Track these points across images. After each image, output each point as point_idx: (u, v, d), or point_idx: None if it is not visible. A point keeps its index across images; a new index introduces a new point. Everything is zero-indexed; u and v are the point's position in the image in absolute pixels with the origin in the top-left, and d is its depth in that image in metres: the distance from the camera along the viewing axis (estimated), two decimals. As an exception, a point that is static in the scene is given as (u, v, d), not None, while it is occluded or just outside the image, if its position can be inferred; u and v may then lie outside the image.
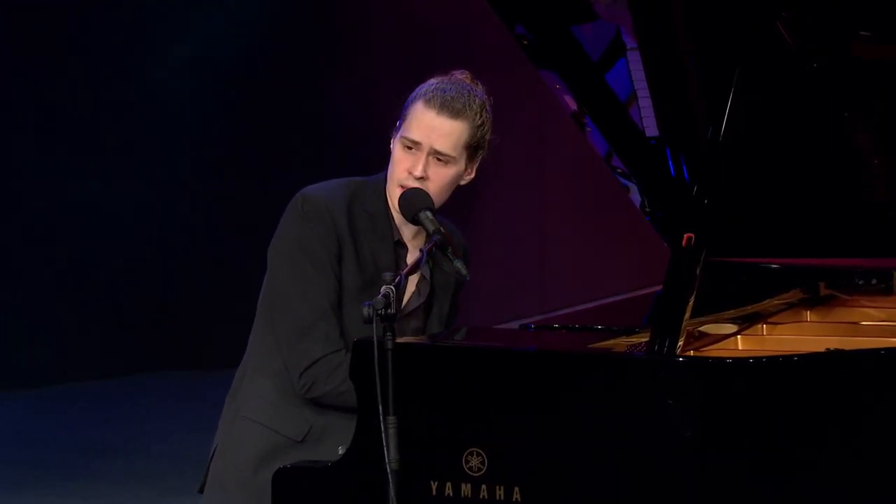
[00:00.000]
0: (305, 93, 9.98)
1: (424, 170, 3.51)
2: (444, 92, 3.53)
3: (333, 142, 9.94)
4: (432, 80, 3.59)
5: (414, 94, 3.58)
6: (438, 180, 3.54)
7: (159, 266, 9.99)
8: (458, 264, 3.37)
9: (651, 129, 4.17)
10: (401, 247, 3.62)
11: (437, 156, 3.52)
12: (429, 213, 3.44)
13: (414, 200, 3.47)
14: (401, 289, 3.22)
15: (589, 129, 4.29)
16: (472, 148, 3.56)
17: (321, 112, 9.99)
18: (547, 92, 4.31)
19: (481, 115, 3.56)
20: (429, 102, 3.52)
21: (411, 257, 3.63)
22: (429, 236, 3.42)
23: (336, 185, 3.62)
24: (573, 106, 4.24)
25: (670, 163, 4.12)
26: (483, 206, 9.70)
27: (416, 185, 3.51)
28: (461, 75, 3.63)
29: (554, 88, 4.20)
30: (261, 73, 10.07)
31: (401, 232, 3.62)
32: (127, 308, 9.90)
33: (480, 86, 3.63)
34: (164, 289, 10.03)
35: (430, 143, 3.51)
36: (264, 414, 3.59)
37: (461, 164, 3.57)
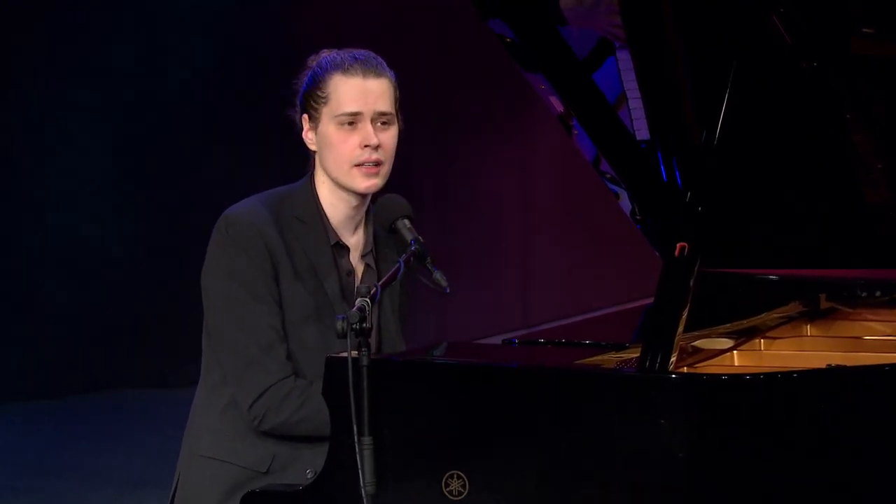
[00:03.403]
0: (269, 100, 9.96)
1: (377, 137, 3.51)
2: (356, 58, 3.54)
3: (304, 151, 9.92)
4: (330, 55, 3.57)
5: (313, 74, 3.56)
6: (389, 144, 3.55)
7: (119, 282, 9.96)
8: (438, 275, 3.35)
9: (642, 131, 4.18)
10: (340, 249, 3.62)
11: (381, 119, 3.53)
12: (406, 222, 3.43)
13: (390, 209, 3.46)
14: (377, 302, 3.20)
15: (576, 132, 4.30)
16: (397, 103, 3.59)
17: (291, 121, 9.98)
18: (533, 95, 4.32)
19: (391, 70, 3.58)
20: (349, 71, 3.52)
21: (354, 258, 3.63)
22: (407, 245, 3.41)
23: (259, 200, 3.60)
24: (559, 108, 4.25)
25: (662, 167, 4.13)
26: (466, 215, 9.71)
27: (373, 157, 3.50)
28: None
29: (539, 89, 4.21)
30: (220, 80, 10.06)
31: (339, 234, 3.61)
32: (84, 324, 9.87)
33: None
34: (125, 305, 10.00)
35: (371, 107, 3.51)
36: (222, 449, 3.56)
37: (398, 123, 3.58)
